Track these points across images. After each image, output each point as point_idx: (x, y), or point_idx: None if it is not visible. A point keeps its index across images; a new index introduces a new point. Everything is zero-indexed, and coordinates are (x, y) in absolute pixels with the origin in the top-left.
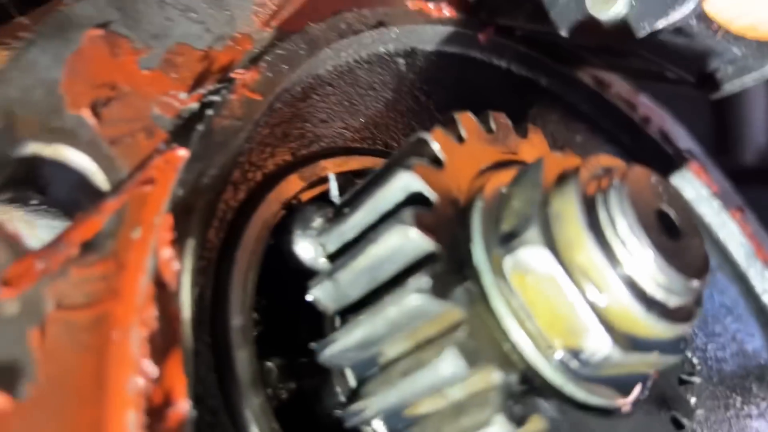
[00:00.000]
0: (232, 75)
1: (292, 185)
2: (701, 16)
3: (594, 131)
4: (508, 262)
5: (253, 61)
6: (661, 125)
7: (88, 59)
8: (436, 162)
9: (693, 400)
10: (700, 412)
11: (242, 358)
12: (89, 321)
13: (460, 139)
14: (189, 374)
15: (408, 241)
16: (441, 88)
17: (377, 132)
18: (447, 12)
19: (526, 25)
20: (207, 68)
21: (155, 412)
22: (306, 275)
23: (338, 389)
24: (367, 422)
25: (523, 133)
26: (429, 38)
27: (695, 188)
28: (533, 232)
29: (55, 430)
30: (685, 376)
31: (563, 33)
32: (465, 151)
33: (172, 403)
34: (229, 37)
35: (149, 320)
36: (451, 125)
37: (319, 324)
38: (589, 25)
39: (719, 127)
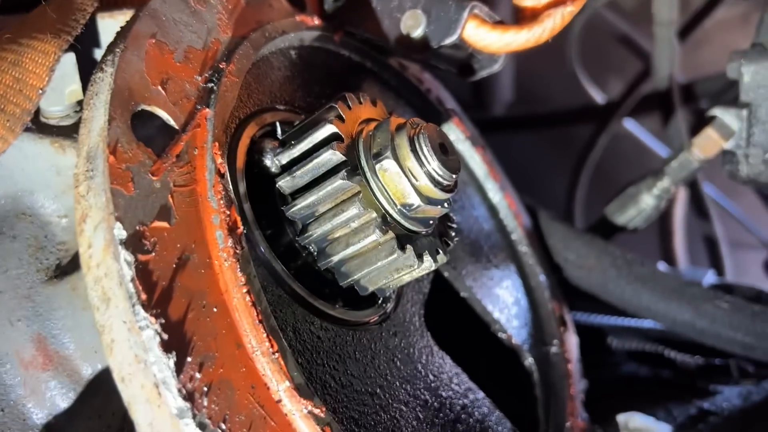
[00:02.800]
0: (220, 65)
1: (252, 129)
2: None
3: (398, 97)
4: (377, 166)
5: (228, 57)
6: (437, 93)
7: (151, 57)
8: (340, 118)
9: (453, 234)
10: (460, 255)
11: (247, 209)
12: (188, 192)
13: (349, 107)
14: (240, 215)
15: (333, 156)
16: (315, 68)
17: (289, 96)
18: (317, 21)
19: (364, 34)
20: (204, 61)
21: (231, 230)
22: (267, 176)
23: (289, 230)
24: (308, 244)
25: (374, 103)
26: (307, 38)
27: (456, 133)
28: (388, 153)
29: (186, 239)
30: (449, 223)
31: (388, 43)
32: (351, 112)
33: (237, 227)
34: (210, 41)
35: (220, 191)
36: (343, 99)
37: (275, 201)
38: (402, 38)
39: (477, 89)
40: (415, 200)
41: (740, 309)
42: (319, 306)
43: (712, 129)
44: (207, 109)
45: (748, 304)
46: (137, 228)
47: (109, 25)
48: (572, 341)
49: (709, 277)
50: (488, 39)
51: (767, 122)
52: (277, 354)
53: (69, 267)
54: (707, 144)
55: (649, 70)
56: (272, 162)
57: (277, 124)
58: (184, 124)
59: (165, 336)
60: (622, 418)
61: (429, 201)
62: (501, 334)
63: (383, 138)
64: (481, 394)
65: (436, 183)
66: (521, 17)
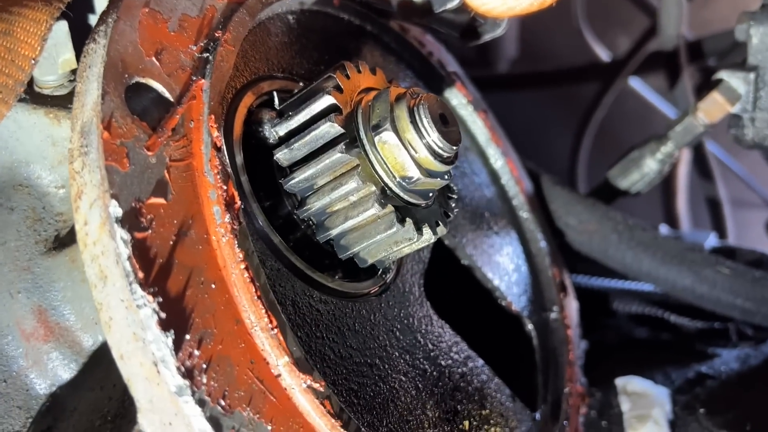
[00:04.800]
0: (215, 34)
1: (249, 98)
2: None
3: (399, 61)
4: (376, 138)
5: (223, 24)
6: (439, 56)
7: (145, 27)
8: (338, 88)
9: (453, 205)
10: (461, 222)
11: (245, 180)
12: (184, 166)
13: (347, 76)
14: (237, 188)
15: (332, 129)
16: (313, 33)
17: (286, 63)
18: None
19: None
20: (199, 29)
21: (228, 205)
22: (265, 146)
23: (288, 203)
24: (307, 218)
25: (374, 72)
26: (306, 1)
27: (458, 98)
28: (387, 125)
29: (183, 215)
30: (449, 194)
31: (389, 6)
32: (350, 82)
33: (234, 202)
34: (205, 8)
35: (216, 166)
36: (341, 68)
37: (273, 173)
38: (403, 2)
39: (480, 45)
40: (414, 173)
41: (741, 275)
42: (318, 278)
43: (718, 93)
44: (203, 80)
45: (749, 269)
46: (133, 205)
47: None
48: (572, 306)
49: (711, 240)
50: (491, 3)
51: None
52: (276, 329)
53: (67, 239)
54: (713, 108)
55: (656, 28)
56: (270, 133)
57: (275, 93)
58: (180, 96)
59: (163, 315)
60: (620, 381)
61: (429, 173)
62: (501, 301)
63: (382, 109)
64: (480, 362)
65: (435, 155)
66: None
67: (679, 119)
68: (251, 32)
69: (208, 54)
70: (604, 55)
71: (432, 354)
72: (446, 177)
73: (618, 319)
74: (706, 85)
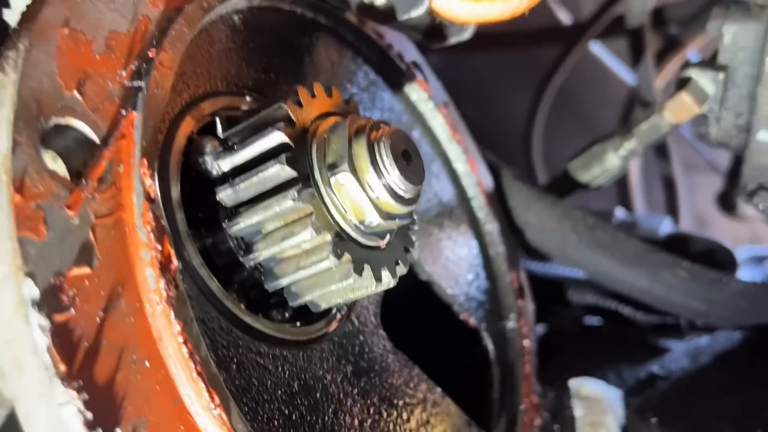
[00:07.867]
0: (148, 53)
1: (188, 124)
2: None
3: (357, 55)
4: (332, 180)
5: (158, 40)
6: (399, 49)
7: (64, 53)
8: (290, 122)
9: (414, 238)
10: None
11: (180, 219)
12: (112, 223)
13: (300, 104)
14: (173, 247)
15: (282, 172)
16: (262, 34)
17: (231, 74)
18: None
19: None
20: (130, 48)
21: (163, 268)
22: (206, 178)
23: (231, 243)
24: (256, 264)
25: (329, 93)
26: None
27: (418, 93)
28: (344, 164)
29: (112, 282)
30: (410, 225)
31: (348, 7)
32: (303, 110)
33: (170, 263)
34: (137, 20)
35: (149, 221)
36: (294, 95)
37: (216, 210)
38: (364, 6)
39: None
40: (373, 218)
41: (697, 276)
42: (265, 329)
43: (687, 94)
44: (134, 113)
45: (705, 270)
46: (52, 281)
47: None
48: (529, 309)
49: (666, 226)
50: (459, 10)
51: (743, 86)
52: (218, 408)
53: None
54: (680, 109)
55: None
56: (212, 165)
57: (217, 120)
58: (107, 136)
59: (89, 414)
60: (574, 383)
61: (389, 216)
62: (460, 315)
63: (339, 145)
64: (437, 392)
65: (396, 197)
66: None
67: (644, 117)
68: (191, 43)
69: (140, 81)
70: (565, 17)
71: (387, 394)
72: (409, 218)
73: (572, 309)
74: (666, 52)
